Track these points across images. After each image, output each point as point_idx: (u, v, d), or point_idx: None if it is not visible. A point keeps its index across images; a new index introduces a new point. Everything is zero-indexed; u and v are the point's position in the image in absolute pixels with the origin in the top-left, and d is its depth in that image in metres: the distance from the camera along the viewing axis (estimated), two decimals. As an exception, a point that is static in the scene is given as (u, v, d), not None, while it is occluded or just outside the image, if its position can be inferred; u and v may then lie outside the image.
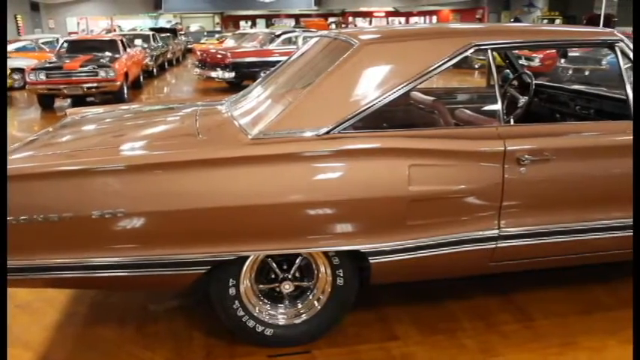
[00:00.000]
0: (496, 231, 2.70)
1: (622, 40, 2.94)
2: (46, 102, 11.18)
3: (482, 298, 3.19)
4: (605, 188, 2.84)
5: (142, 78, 14.48)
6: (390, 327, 2.93)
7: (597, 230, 2.85)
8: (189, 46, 29.39)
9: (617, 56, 2.93)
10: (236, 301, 2.64)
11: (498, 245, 2.72)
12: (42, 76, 10.58)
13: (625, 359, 2.66)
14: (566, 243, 2.83)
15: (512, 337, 2.84)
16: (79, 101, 11.19)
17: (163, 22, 41.73)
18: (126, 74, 11.58)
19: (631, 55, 2.92)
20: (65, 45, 12.84)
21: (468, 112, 3.17)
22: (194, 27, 42.72)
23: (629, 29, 21.64)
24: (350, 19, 44.70)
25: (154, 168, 2.40)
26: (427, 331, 2.89)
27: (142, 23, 39.85)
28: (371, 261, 2.57)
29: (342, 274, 2.67)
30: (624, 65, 2.91)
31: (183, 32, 34.04)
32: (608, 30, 3.18)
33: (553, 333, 2.87)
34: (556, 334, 2.86)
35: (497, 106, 2.80)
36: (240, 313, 2.66)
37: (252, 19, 44.11)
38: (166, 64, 20.61)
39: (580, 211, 2.81)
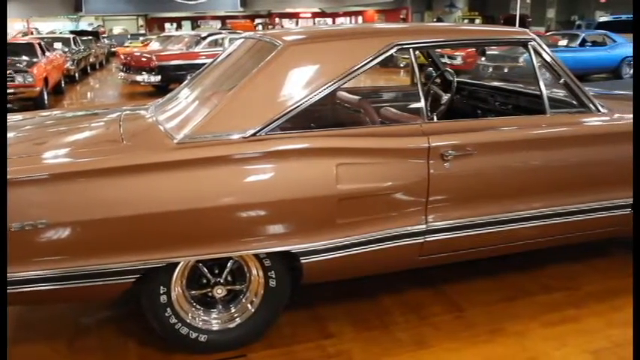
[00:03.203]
0: (423, 226, 2.77)
1: (534, 39, 3.09)
2: (-42, 110, 10.57)
3: (414, 292, 3.27)
4: (525, 179, 2.98)
5: (63, 83, 13.97)
6: (324, 325, 2.95)
7: (519, 220, 2.98)
8: (113, 49, 28.61)
9: (530, 54, 3.07)
10: (168, 309, 2.59)
11: (426, 239, 2.80)
12: (-48, 82, 9.99)
13: (547, 340, 2.80)
14: (491, 234, 2.94)
15: (443, 328, 2.92)
16: (-5, 109, 10.64)
17: (84, 24, 40.41)
18: (45, 79, 11.12)
19: (542, 52, 3.07)
20: (-23, 49, 12.20)
21: (393, 110, 3.24)
22: (117, 30, 41.61)
23: (542, 29, 22.69)
24: (276, 20, 44.68)
25: (77, 176, 2.34)
26: (361, 326, 2.94)
27: (62, 26, 38.38)
28: (302, 261, 2.58)
29: (274, 276, 2.67)
30: (537, 62, 3.06)
31: (105, 35, 33.11)
32: (521, 29, 3.34)
33: (481, 321, 2.98)
34: (484, 322, 2.97)
35: (421, 104, 2.88)
36: (173, 320, 2.61)
37: (178, 21, 43.32)
38: (89, 68, 20.00)
39: (503, 202, 2.93)
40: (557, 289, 3.30)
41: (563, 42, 15.55)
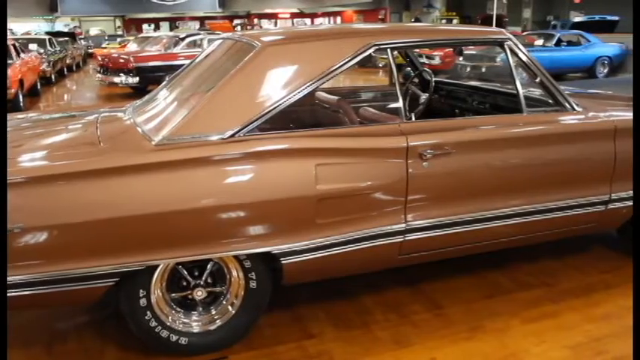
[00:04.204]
0: (403, 225, 2.78)
1: (510, 39, 3.12)
2: None
3: (394, 291, 3.29)
4: (502, 178, 3.01)
5: (39, 85, 13.77)
6: (305, 325, 2.95)
7: (498, 218, 3.01)
8: (90, 50, 28.33)
9: (506, 53, 3.11)
10: (148, 312, 2.57)
11: (406, 238, 2.81)
12: None
13: (527, 336, 2.83)
14: (469, 232, 2.97)
15: (423, 326, 2.94)
16: (-31, 112, 10.44)
17: (60, 25, 39.90)
18: (21, 81, 10.94)
19: (518, 52, 3.10)
20: (-50, 51, 11.96)
21: (371, 110, 3.25)
22: (94, 31, 41.15)
23: (518, 29, 22.98)
24: (255, 20, 44.57)
25: (54, 179, 2.31)
26: (342, 326, 2.94)
27: (37, 27, 37.86)
28: (282, 262, 2.59)
29: (254, 277, 2.66)
30: (513, 62, 3.09)
31: (82, 36, 32.74)
32: (497, 29, 3.37)
33: (461, 319, 3.00)
34: (464, 320, 2.99)
35: (399, 104, 2.90)
36: (153, 323, 2.60)
37: (156, 22, 42.94)
38: (65, 69, 19.76)
39: (481, 201, 2.96)
40: (535, 285, 3.35)
41: (539, 42, 15.75)
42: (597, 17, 20.28)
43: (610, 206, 3.28)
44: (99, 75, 14.00)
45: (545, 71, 3.16)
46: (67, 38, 22.33)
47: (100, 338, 2.88)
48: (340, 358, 2.69)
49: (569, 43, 15.68)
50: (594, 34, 16.26)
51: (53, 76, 16.72)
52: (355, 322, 2.98)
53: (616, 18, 20.11)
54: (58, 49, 18.65)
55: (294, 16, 44.42)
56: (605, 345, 2.76)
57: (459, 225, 2.92)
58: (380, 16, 34.31)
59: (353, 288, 3.28)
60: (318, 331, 2.91)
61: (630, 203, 3.33)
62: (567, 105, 3.18)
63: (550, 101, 3.23)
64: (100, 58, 14.60)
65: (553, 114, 3.19)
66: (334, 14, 41.94)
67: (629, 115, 3.45)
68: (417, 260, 3.03)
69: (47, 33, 22.90)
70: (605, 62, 15.78)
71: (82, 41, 29.44)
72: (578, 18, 21.50)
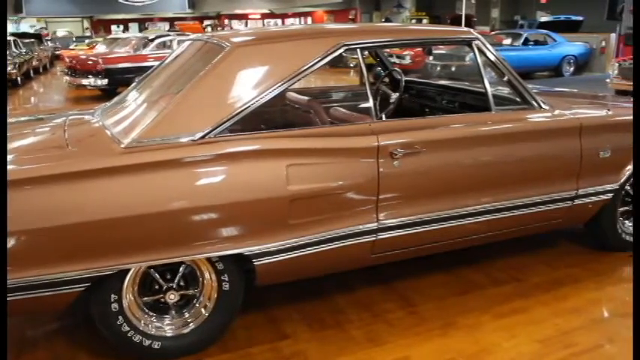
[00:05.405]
0: (375, 224, 2.80)
1: (478, 38, 3.16)
2: None
3: (367, 290, 3.30)
4: (472, 176, 3.05)
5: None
6: (280, 326, 2.95)
7: (469, 216, 3.05)
8: (57, 52, 27.86)
9: (474, 53, 3.15)
10: (120, 317, 2.54)
11: (378, 237, 2.83)
12: None
13: (498, 331, 2.87)
14: (441, 230, 3.00)
15: (397, 324, 2.96)
16: None
17: (26, 26, 39.15)
18: (-15, 84, 10.73)
19: (486, 51, 3.15)
20: None
21: (342, 110, 3.26)
22: (61, 32, 40.44)
23: (487, 28, 23.27)
24: (226, 21, 44.34)
25: (21, 184, 2.27)
26: (316, 326, 2.95)
27: (2, 29, 37.09)
28: (255, 263, 2.58)
29: (227, 279, 2.65)
30: (481, 61, 3.13)
31: (49, 38, 32.21)
32: (465, 29, 3.41)
33: (434, 316, 3.03)
34: (437, 317, 3.02)
35: (370, 103, 2.91)
36: (125, 328, 2.56)
37: (125, 23, 42.40)
38: (32, 72, 19.42)
39: (452, 198, 3.00)
40: (505, 281, 3.40)
41: (507, 41, 16.00)
42: (563, 17, 20.67)
43: (577, 202, 3.35)
44: (67, 77, 13.83)
45: (513, 70, 3.21)
46: (33, 40, 21.96)
47: (70, 345, 2.84)
48: (315, 358, 2.70)
49: (536, 43, 15.96)
50: (560, 34, 16.58)
51: (19, 79, 16.43)
52: (329, 321, 2.99)
53: (580, 18, 20.52)
54: (23, 50, 18.34)
55: (264, 16, 44.31)
56: (574, 338, 2.81)
57: (431, 223, 2.95)
58: (350, 17, 34.41)
59: (326, 288, 3.29)
60: (292, 331, 2.91)
61: (595, 199, 3.41)
62: (535, 103, 3.24)
63: (518, 99, 3.28)
64: (67, 60, 14.39)
65: (521, 112, 3.24)
66: (305, 14, 41.92)
67: (593, 112, 3.53)
68: (389, 259, 3.05)
69: (12, 34, 22.45)
70: (571, 61, 16.10)
71: (49, 43, 29.00)
72: (544, 18, 21.87)
